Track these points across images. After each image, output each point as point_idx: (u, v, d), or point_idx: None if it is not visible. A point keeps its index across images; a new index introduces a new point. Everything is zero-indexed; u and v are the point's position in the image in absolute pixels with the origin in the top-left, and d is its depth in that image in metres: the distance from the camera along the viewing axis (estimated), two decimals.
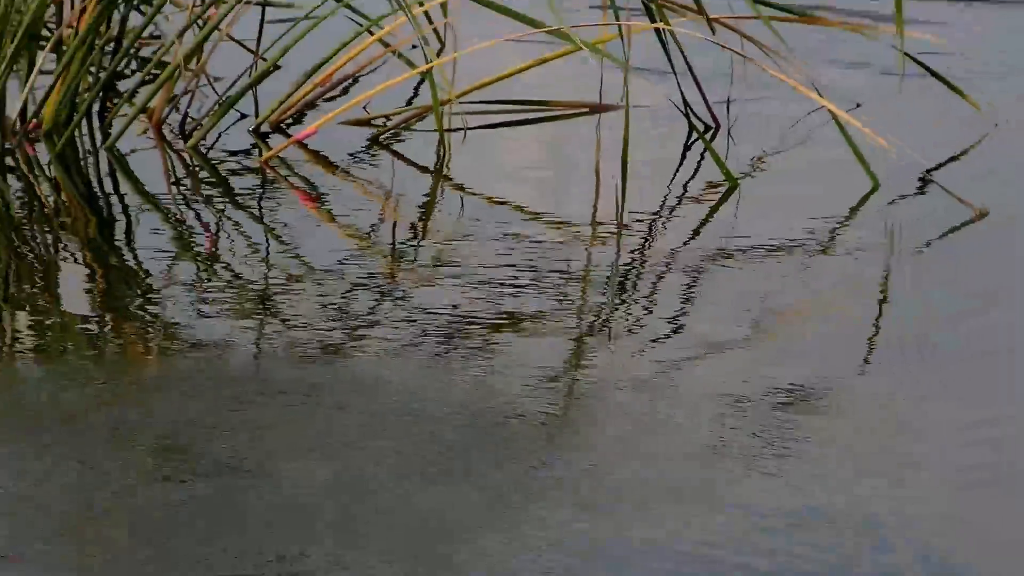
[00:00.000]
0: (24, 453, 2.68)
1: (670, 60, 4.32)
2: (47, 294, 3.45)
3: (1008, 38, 5.39)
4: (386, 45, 4.39)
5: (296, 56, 4.35)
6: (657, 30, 4.32)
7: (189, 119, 4.36)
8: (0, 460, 2.66)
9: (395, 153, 4.31)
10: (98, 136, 4.32)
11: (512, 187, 4.10)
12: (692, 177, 4.19)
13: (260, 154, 4.23)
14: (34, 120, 4.25)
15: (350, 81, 4.53)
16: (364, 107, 4.39)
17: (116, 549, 2.38)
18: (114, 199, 4.02)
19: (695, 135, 4.35)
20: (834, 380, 3.04)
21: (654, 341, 3.20)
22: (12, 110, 4.23)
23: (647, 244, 3.74)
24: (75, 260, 3.66)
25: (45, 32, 4.32)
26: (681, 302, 3.42)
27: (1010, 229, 3.85)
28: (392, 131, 4.40)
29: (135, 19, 4.41)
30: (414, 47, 4.34)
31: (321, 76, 4.38)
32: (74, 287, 3.49)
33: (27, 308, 3.37)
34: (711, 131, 4.39)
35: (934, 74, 4.42)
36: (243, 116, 4.38)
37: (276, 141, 4.29)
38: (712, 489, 2.60)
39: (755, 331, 3.28)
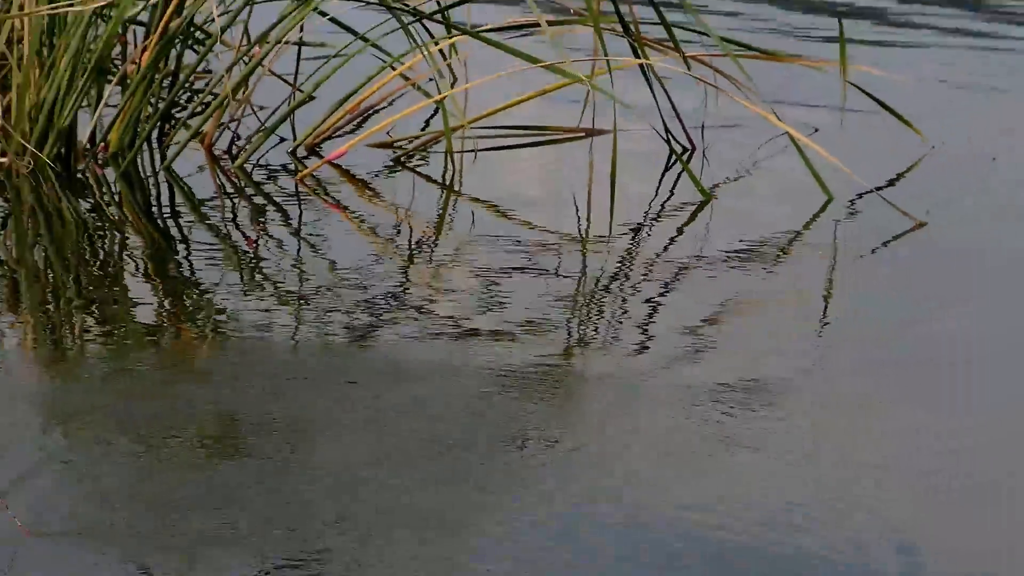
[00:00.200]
0: (93, 428, 2.67)
1: (652, 91, 4.33)
2: (113, 294, 3.44)
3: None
4: (406, 79, 4.39)
5: (328, 88, 4.36)
6: (640, 65, 4.34)
7: (236, 142, 4.37)
8: (72, 440, 2.65)
9: (413, 171, 4.31)
10: (157, 158, 4.32)
11: (515, 200, 4.09)
12: (672, 193, 4.19)
13: (297, 172, 4.24)
14: (102, 144, 4.25)
15: (375, 110, 4.54)
16: (387, 132, 4.39)
17: (171, 518, 2.38)
18: (170, 212, 4.02)
19: (674, 157, 4.36)
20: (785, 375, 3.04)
21: (637, 333, 3.21)
22: (83, 135, 4.24)
23: (632, 249, 3.73)
24: (136, 264, 3.64)
25: (112, 68, 4.33)
26: (659, 300, 3.41)
27: (945, 237, 3.86)
28: (411, 153, 4.41)
29: (189, 57, 4.42)
30: (430, 80, 4.34)
31: (350, 105, 4.38)
32: (135, 287, 3.47)
33: (95, 306, 3.36)
34: (688, 153, 4.40)
35: (882, 104, 4.43)
36: (282, 140, 4.39)
37: (311, 161, 4.29)
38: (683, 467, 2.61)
39: (724, 328, 3.27)
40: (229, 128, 4.39)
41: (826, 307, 3.43)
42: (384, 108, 4.50)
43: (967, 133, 4.72)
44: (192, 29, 4.33)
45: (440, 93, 4.20)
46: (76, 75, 4.12)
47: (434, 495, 2.44)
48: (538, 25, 4.18)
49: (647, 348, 3.11)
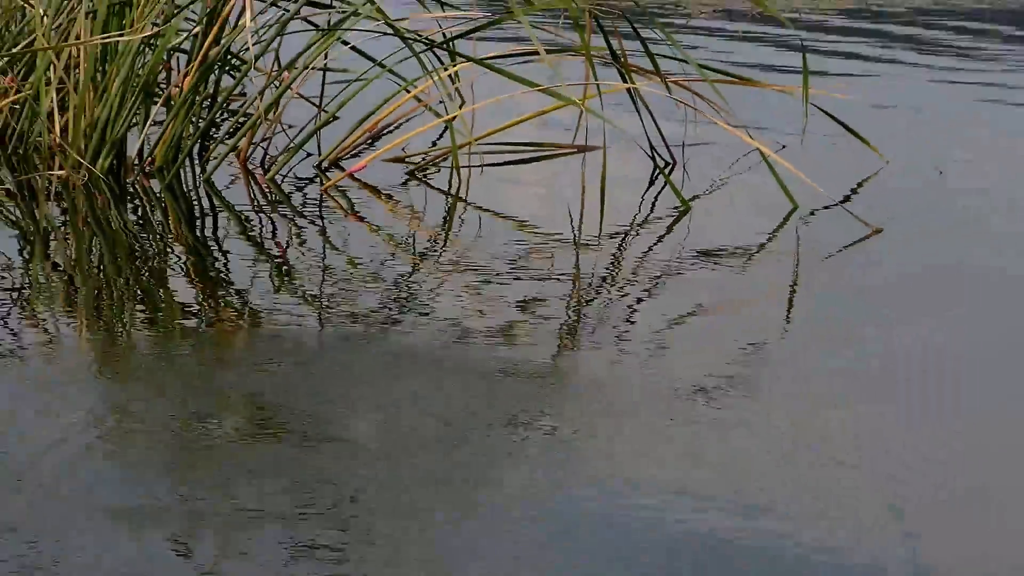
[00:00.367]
0: (144, 402, 2.68)
1: (638, 112, 4.34)
2: (157, 290, 3.44)
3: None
4: (419, 101, 4.40)
5: (349, 109, 4.37)
6: (628, 90, 4.35)
7: (268, 157, 4.38)
8: (120, 420, 2.66)
9: (425, 183, 4.32)
10: (197, 171, 4.34)
11: (516, 209, 4.10)
12: (655, 202, 4.20)
13: (321, 183, 4.25)
14: (148, 159, 4.26)
15: (391, 128, 4.55)
16: (402, 148, 4.41)
17: (211, 493, 2.38)
18: (210, 219, 4.03)
19: (657, 171, 4.37)
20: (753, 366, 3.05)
21: (624, 327, 3.21)
22: (131, 151, 4.25)
23: (620, 252, 3.74)
24: (180, 265, 3.65)
25: (157, 91, 4.34)
26: (644, 297, 3.41)
27: (898, 241, 3.86)
28: (423, 166, 4.42)
29: (226, 81, 4.43)
30: (440, 102, 4.35)
31: (369, 124, 4.40)
32: (177, 285, 3.48)
33: (142, 301, 3.37)
34: (669, 167, 4.41)
35: (843, 125, 4.44)
36: (309, 155, 4.40)
37: (334, 174, 4.30)
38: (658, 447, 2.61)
39: (702, 321, 3.28)
40: (262, 145, 4.40)
41: (791, 305, 3.43)
42: (399, 127, 4.50)
43: (917, 150, 4.72)
44: (229, 57, 4.34)
45: (449, 114, 4.22)
46: (126, 98, 4.13)
47: (440, 467, 2.45)
48: (536, 54, 4.19)
49: (634, 341, 3.11)
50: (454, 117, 4.22)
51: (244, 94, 4.59)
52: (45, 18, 4.21)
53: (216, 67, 4.26)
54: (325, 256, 3.70)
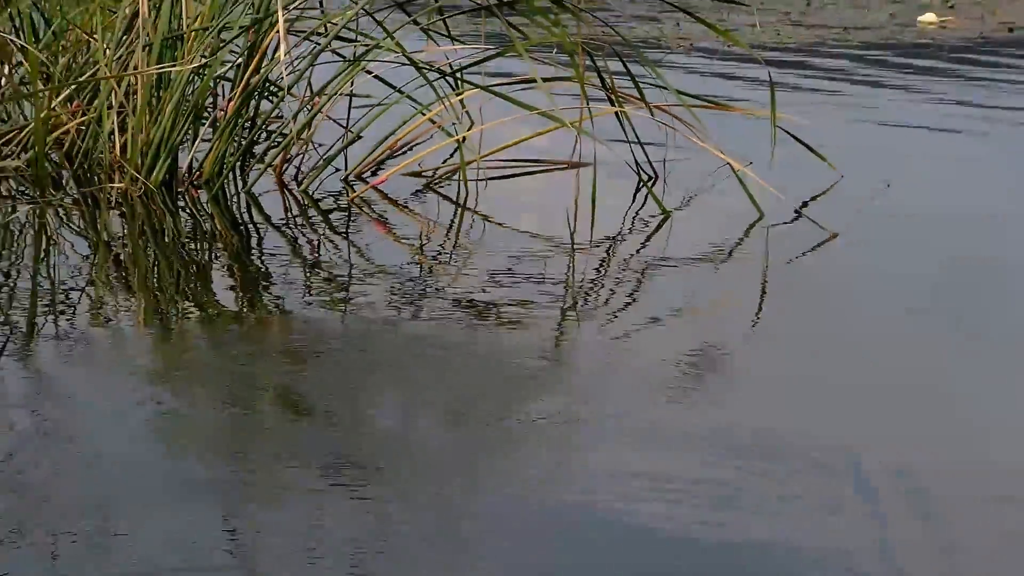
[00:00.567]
0: (191, 392, 2.68)
1: (624, 132, 4.34)
2: (204, 287, 3.45)
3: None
4: (433, 122, 4.39)
5: (372, 130, 4.37)
6: (615, 112, 4.35)
7: (300, 172, 4.38)
8: (169, 402, 2.66)
9: (439, 194, 4.32)
10: (239, 184, 4.34)
11: (517, 216, 4.10)
12: (639, 211, 4.20)
13: (348, 195, 4.25)
14: (197, 173, 4.26)
15: (408, 147, 4.54)
16: (418, 164, 4.40)
17: (250, 471, 2.39)
18: (250, 225, 4.03)
19: (641, 183, 4.37)
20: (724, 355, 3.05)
21: (612, 321, 3.21)
22: (182, 166, 4.26)
23: (608, 254, 3.74)
24: (224, 266, 3.66)
25: (205, 114, 4.34)
26: (630, 293, 3.42)
27: (852, 244, 3.87)
28: (436, 180, 4.42)
29: (265, 105, 4.43)
30: (451, 124, 4.35)
31: (389, 143, 4.39)
32: (221, 282, 3.49)
33: (191, 296, 3.37)
34: (652, 180, 4.40)
35: (803, 143, 4.44)
36: (337, 169, 4.39)
37: (359, 186, 4.30)
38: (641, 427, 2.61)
39: (681, 316, 3.28)
40: (295, 161, 4.39)
41: (761, 302, 3.43)
42: (415, 145, 4.50)
43: (866, 166, 4.72)
44: (267, 84, 4.34)
45: (458, 134, 4.22)
46: (177, 120, 4.13)
47: (451, 443, 2.45)
48: (535, 81, 4.19)
49: (620, 332, 3.12)
50: (463, 137, 4.23)
51: (280, 117, 4.58)
52: (107, 51, 4.22)
53: (256, 93, 4.26)
54: (350, 257, 3.70)
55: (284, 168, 4.36)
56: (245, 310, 3.25)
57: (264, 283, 3.47)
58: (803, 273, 3.62)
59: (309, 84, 4.38)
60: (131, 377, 2.72)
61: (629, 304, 3.32)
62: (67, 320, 3.05)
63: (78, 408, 2.55)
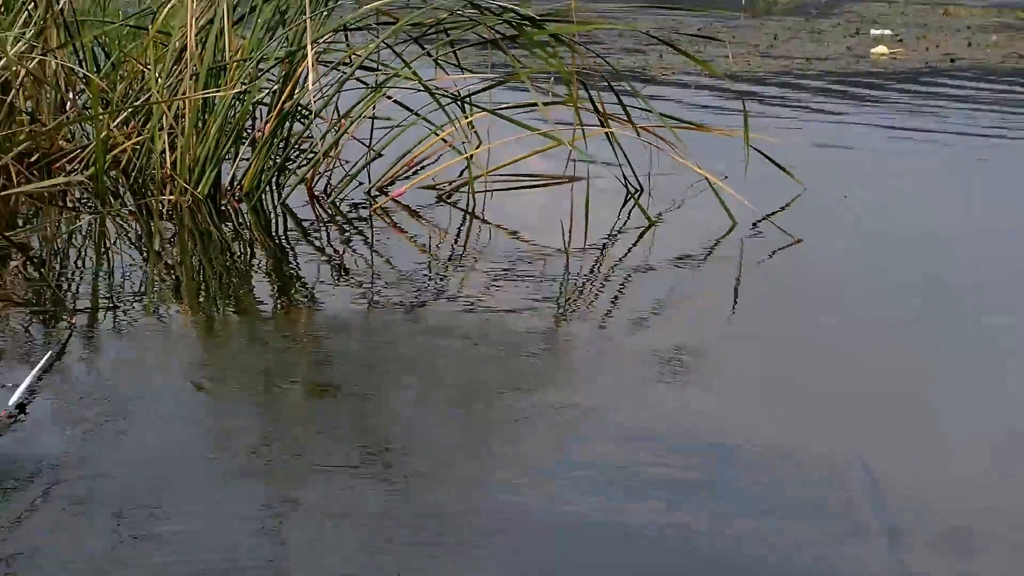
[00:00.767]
0: (231, 375, 2.68)
1: (614, 150, 4.34)
2: (245, 285, 3.45)
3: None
4: (445, 141, 4.40)
5: (392, 148, 4.37)
6: (606, 133, 4.34)
7: (329, 185, 4.38)
8: (214, 388, 2.65)
9: (451, 204, 4.31)
10: (275, 195, 4.34)
11: (519, 224, 4.09)
12: (627, 220, 4.19)
13: (371, 205, 4.25)
14: (238, 186, 4.26)
15: (424, 163, 4.54)
16: (432, 178, 4.40)
17: (285, 450, 2.38)
18: (285, 233, 4.03)
19: (629, 195, 4.36)
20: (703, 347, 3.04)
21: (603, 314, 3.21)
22: (225, 180, 4.26)
23: (600, 258, 3.74)
24: (262, 267, 3.66)
25: (245, 134, 4.35)
26: (619, 292, 3.42)
27: (815, 248, 3.86)
28: (448, 192, 4.41)
29: (297, 127, 4.43)
30: (462, 143, 4.35)
31: (407, 160, 4.39)
32: (259, 281, 3.49)
33: (233, 293, 3.37)
34: (638, 192, 4.40)
35: (771, 160, 4.43)
36: (360, 183, 4.39)
37: (380, 198, 4.30)
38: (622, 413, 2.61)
39: (664, 312, 3.27)
40: (324, 175, 4.39)
41: (735, 298, 3.42)
42: (430, 162, 4.50)
43: (827, 180, 4.72)
44: (299, 108, 4.34)
45: (468, 152, 4.22)
46: (221, 140, 4.14)
47: (462, 421, 2.45)
48: (536, 105, 4.20)
49: (610, 325, 3.12)
50: (472, 155, 4.23)
51: (311, 137, 4.59)
52: (159, 79, 4.22)
53: (289, 116, 4.26)
54: (372, 259, 3.69)
55: (314, 182, 4.36)
56: (280, 305, 3.24)
57: (297, 282, 3.46)
58: (771, 274, 3.61)
59: (336, 108, 4.38)
60: (178, 363, 2.72)
61: (617, 301, 3.31)
62: (123, 313, 3.05)
63: (133, 389, 2.55)
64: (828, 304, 3.30)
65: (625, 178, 4.39)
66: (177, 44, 4.21)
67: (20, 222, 3.93)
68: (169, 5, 4.35)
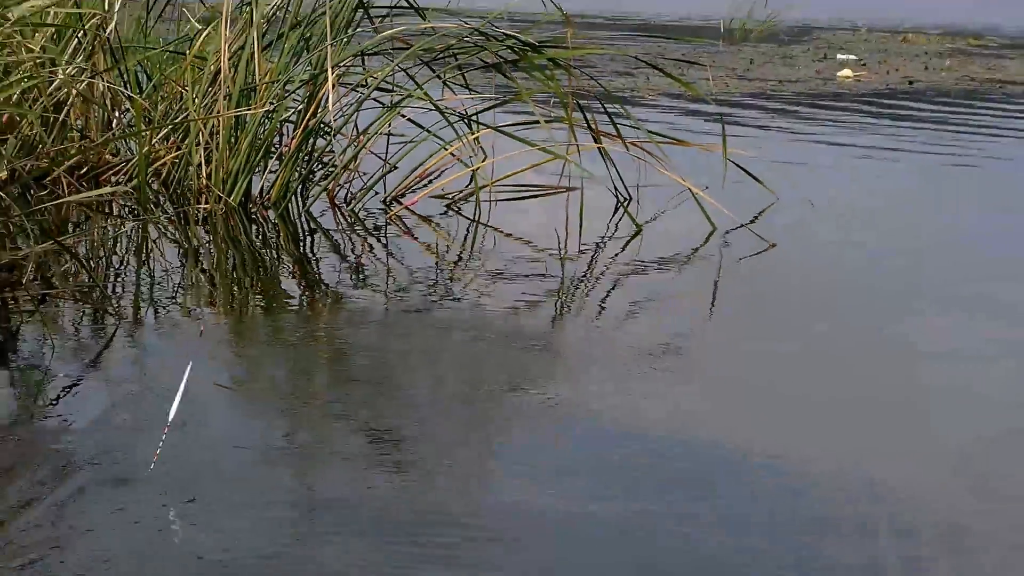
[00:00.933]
0: (263, 361, 2.67)
1: (605, 163, 4.34)
2: (272, 284, 3.44)
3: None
4: (453, 155, 4.40)
5: (406, 161, 4.38)
6: (598, 148, 4.34)
7: (349, 194, 4.38)
8: (243, 377, 2.65)
9: (458, 213, 4.31)
10: (300, 204, 4.34)
11: (519, 230, 4.09)
12: (617, 225, 4.19)
13: (386, 213, 4.25)
14: (267, 195, 4.26)
15: (434, 175, 4.54)
16: (442, 189, 4.40)
17: (306, 434, 2.38)
18: (309, 237, 4.03)
19: (618, 203, 4.36)
20: (684, 337, 3.04)
21: (595, 311, 3.21)
22: (255, 190, 4.26)
23: (592, 260, 3.73)
24: (289, 268, 3.65)
25: (272, 149, 4.35)
26: (609, 291, 3.41)
27: (787, 252, 3.86)
28: (456, 202, 4.41)
29: (320, 142, 4.43)
30: (469, 157, 4.35)
31: (419, 172, 4.40)
32: (286, 281, 3.48)
33: (262, 291, 3.37)
34: (627, 201, 4.40)
35: (747, 172, 4.43)
36: (377, 193, 4.40)
37: (395, 206, 4.30)
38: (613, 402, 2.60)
39: (650, 308, 3.27)
40: (344, 186, 4.39)
41: (713, 298, 3.42)
42: (440, 174, 4.50)
43: (797, 190, 4.72)
44: (322, 126, 4.35)
45: (474, 165, 4.22)
46: (251, 154, 4.14)
47: (468, 407, 2.44)
48: (536, 123, 4.19)
49: (602, 320, 3.11)
50: (477, 167, 4.22)
51: (332, 151, 4.60)
52: (196, 99, 4.22)
53: (313, 133, 4.26)
54: (388, 261, 3.69)
55: (335, 192, 4.36)
56: (304, 301, 3.24)
57: (320, 281, 3.46)
58: (748, 274, 3.61)
59: (355, 125, 4.38)
60: (210, 353, 2.72)
61: (608, 297, 3.31)
62: (163, 309, 3.05)
63: (169, 377, 2.54)
64: (800, 301, 3.30)
65: (615, 188, 4.39)
66: (212, 68, 4.22)
67: (71, 228, 3.93)
68: (205, 33, 4.37)
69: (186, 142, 4.24)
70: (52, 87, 4.09)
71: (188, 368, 2.18)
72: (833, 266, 3.71)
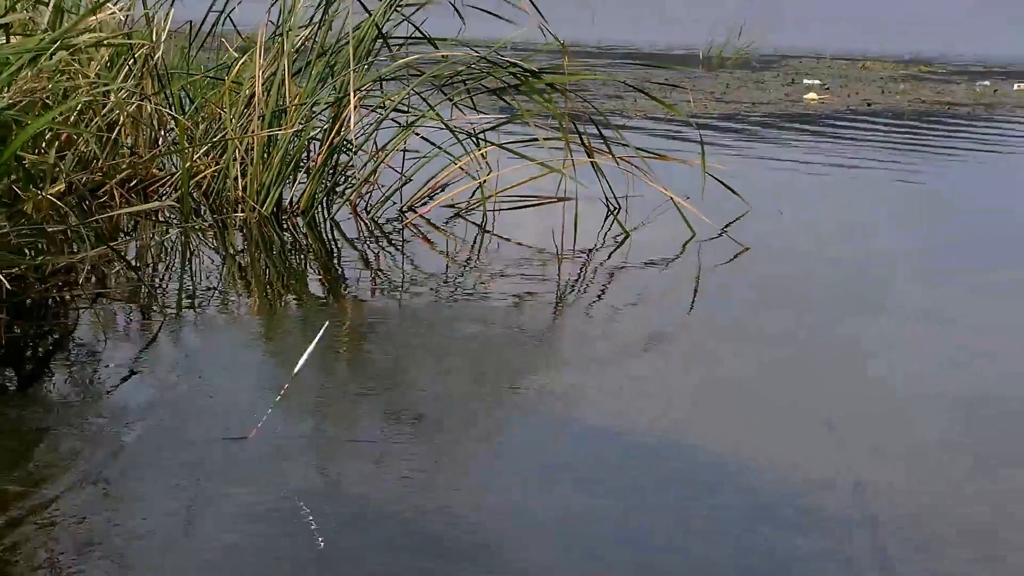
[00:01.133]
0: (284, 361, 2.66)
1: (597, 176, 4.33)
2: (302, 285, 3.43)
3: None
4: (462, 169, 4.39)
5: (420, 174, 4.37)
6: (591, 162, 4.33)
7: (369, 204, 4.37)
8: (271, 371, 2.64)
9: (466, 220, 4.30)
10: (326, 213, 4.33)
11: (520, 234, 4.08)
12: (608, 231, 4.18)
13: (402, 220, 4.24)
14: (296, 205, 4.26)
15: (445, 186, 4.53)
16: (452, 199, 4.39)
17: (325, 423, 2.36)
18: (334, 243, 4.02)
19: (608, 212, 4.35)
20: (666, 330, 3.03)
21: (589, 308, 3.20)
22: (286, 201, 4.25)
23: (586, 262, 3.72)
24: (315, 271, 3.64)
25: (301, 163, 4.34)
26: (602, 289, 3.40)
27: (760, 255, 3.84)
28: (464, 210, 4.40)
29: (343, 158, 4.42)
30: (476, 170, 4.34)
31: (431, 184, 4.39)
32: (313, 282, 3.47)
33: (293, 290, 3.36)
34: (617, 210, 4.39)
35: (723, 184, 4.42)
36: (394, 203, 4.39)
37: (410, 215, 4.29)
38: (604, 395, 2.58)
39: (639, 305, 3.26)
40: (365, 196, 4.38)
41: (694, 296, 3.40)
42: (450, 185, 4.49)
43: (768, 199, 4.71)
44: (345, 143, 4.34)
45: (480, 177, 4.21)
46: (282, 168, 4.13)
47: (475, 397, 2.43)
48: (536, 140, 4.18)
49: (595, 315, 3.10)
50: (484, 180, 4.21)
51: (354, 166, 4.59)
52: (233, 120, 4.22)
53: (337, 149, 4.25)
54: (403, 262, 3.68)
55: (357, 202, 4.35)
56: (330, 299, 3.23)
57: (343, 281, 3.45)
58: (725, 274, 3.60)
59: (375, 142, 4.38)
60: (246, 348, 2.71)
61: (600, 296, 3.30)
62: (204, 308, 3.04)
63: (207, 370, 2.53)
64: (772, 298, 3.29)
65: (606, 198, 4.38)
66: (247, 92, 4.21)
67: (122, 234, 3.92)
68: (241, 61, 4.36)
69: (224, 158, 4.24)
70: (106, 109, 4.08)
71: (324, 326, 2.14)
72: (801, 266, 3.70)
